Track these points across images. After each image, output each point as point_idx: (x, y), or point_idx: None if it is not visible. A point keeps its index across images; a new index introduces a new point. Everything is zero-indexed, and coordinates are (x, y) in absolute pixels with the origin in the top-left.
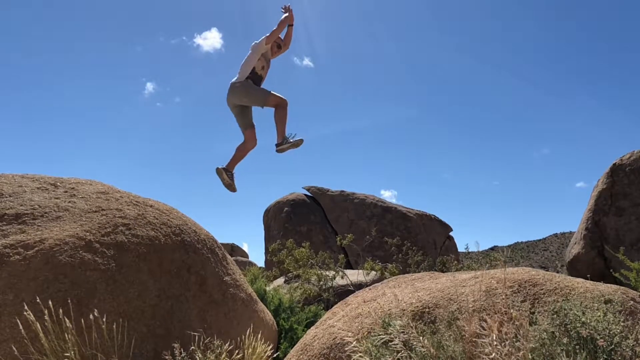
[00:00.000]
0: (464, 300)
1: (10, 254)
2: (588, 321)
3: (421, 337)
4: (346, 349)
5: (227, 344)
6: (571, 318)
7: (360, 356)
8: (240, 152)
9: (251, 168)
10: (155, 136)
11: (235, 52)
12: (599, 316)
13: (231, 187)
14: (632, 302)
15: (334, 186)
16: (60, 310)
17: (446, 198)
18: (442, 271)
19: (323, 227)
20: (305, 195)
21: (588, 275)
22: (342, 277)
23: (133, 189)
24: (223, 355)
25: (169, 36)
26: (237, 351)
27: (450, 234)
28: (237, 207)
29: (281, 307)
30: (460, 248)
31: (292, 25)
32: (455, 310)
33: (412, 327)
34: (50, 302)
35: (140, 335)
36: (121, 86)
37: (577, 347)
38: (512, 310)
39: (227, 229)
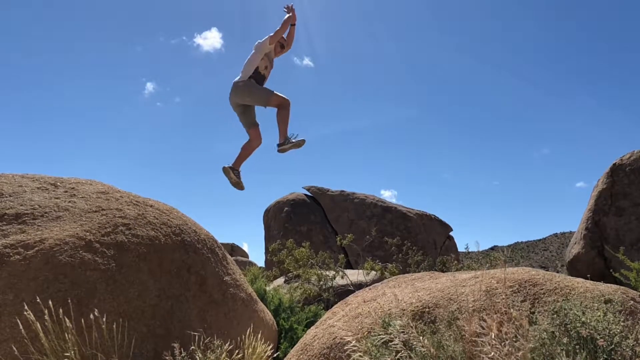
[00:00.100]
0: (464, 300)
1: (11, 254)
2: (588, 321)
3: (421, 337)
4: (346, 348)
5: (227, 344)
6: (571, 318)
7: (360, 356)
8: (246, 151)
9: (251, 168)
10: (155, 136)
11: (235, 52)
12: (599, 316)
13: (239, 185)
14: (632, 302)
15: (334, 186)
16: (61, 310)
17: (446, 198)
18: (442, 271)
19: (323, 227)
20: (305, 195)
21: (588, 275)
22: (342, 277)
23: (133, 189)
24: (223, 355)
25: (169, 36)
26: (237, 351)
27: (450, 234)
28: (237, 207)
29: (281, 307)
30: (460, 248)
31: (294, 24)
32: (455, 310)
33: (412, 327)
34: (50, 302)
35: (140, 335)
36: (121, 86)
37: (577, 347)
38: (512, 310)
39: (227, 229)
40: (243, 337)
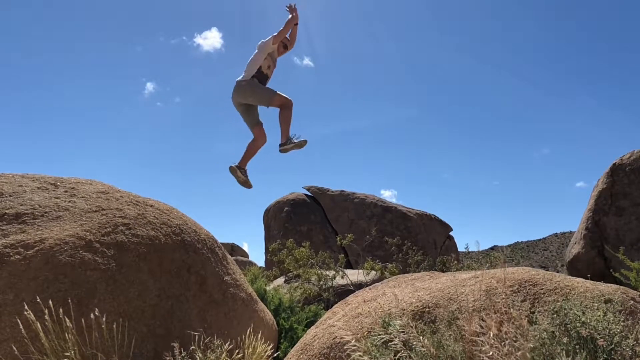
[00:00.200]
0: (464, 300)
1: (11, 254)
2: (588, 321)
3: (421, 337)
4: (346, 348)
5: (227, 344)
6: (571, 318)
7: (360, 356)
8: (251, 150)
9: (251, 168)
10: (155, 136)
11: (235, 52)
12: (599, 316)
13: (246, 183)
14: (632, 301)
15: (334, 186)
16: (61, 310)
17: (446, 198)
18: (442, 271)
19: (323, 227)
20: (306, 195)
21: (588, 275)
22: (342, 277)
23: (133, 189)
24: (223, 355)
25: (169, 36)
26: (237, 351)
27: (450, 233)
28: (237, 207)
29: (281, 307)
30: (460, 248)
31: (296, 24)
32: (455, 310)
33: (412, 326)
34: (50, 302)
35: (141, 335)
36: (121, 86)
37: (577, 346)
38: (512, 310)
39: (227, 228)
40: (243, 337)
